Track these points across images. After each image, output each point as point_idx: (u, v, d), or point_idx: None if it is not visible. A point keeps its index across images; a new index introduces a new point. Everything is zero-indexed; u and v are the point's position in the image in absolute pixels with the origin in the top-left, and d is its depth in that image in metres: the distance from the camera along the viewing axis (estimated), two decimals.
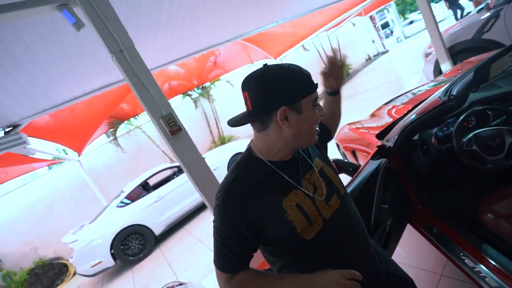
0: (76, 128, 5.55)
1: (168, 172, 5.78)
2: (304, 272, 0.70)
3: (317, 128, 0.74)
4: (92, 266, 4.24)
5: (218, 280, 0.73)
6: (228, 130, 9.40)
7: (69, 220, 6.77)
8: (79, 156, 6.44)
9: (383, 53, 13.95)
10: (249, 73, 0.72)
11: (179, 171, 5.40)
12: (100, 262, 4.27)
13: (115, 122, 7.04)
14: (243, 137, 9.58)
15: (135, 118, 7.83)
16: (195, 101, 8.88)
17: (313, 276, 0.67)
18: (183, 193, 4.99)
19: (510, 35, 2.95)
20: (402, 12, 22.48)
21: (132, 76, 1.54)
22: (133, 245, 4.54)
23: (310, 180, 0.77)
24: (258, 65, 10.39)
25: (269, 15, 4.83)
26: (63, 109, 4.71)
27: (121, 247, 4.45)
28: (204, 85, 8.81)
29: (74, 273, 5.74)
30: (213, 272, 2.70)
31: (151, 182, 5.56)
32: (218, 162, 5.47)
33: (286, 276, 0.74)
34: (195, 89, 8.74)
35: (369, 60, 13.77)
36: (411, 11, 22.10)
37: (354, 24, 13.44)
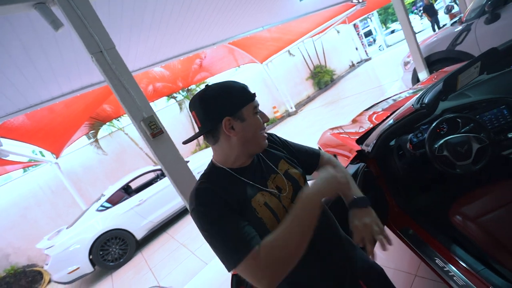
0: (54, 129, 5.33)
1: (151, 175, 5.67)
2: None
3: (264, 134, 0.81)
4: (69, 273, 4.06)
5: (247, 268, 0.63)
6: None
7: (45, 225, 6.47)
8: (57, 158, 6.19)
9: (366, 60, 14.40)
10: (193, 95, 0.81)
11: (162, 174, 5.30)
12: (77, 268, 4.10)
13: (96, 123, 6.83)
14: None
15: (118, 120, 7.63)
16: (180, 104, 8.78)
17: (316, 183, 0.73)
18: (166, 196, 4.90)
19: (479, 47, 3.14)
20: (384, 22, 23.39)
21: (112, 77, 1.51)
22: (113, 250, 4.40)
23: (274, 182, 0.82)
24: (244, 68, 10.49)
25: (255, 20, 4.89)
26: (41, 109, 4.53)
27: (101, 253, 4.29)
28: (189, 88, 8.73)
29: (49, 281, 5.47)
30: (195, 276, 2.65)
31: (133, 185, 5.42)
32: (201, 167, 5.42)
33: (294, 208, 0.70)
34: (180, 91, 8.65)
35: (352, 66, 14.17)
36: (393, 21, 23.02)
37: (338, 32, 13.82)
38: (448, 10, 8.75)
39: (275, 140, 0.96)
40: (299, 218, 0.67)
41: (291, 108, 10.69)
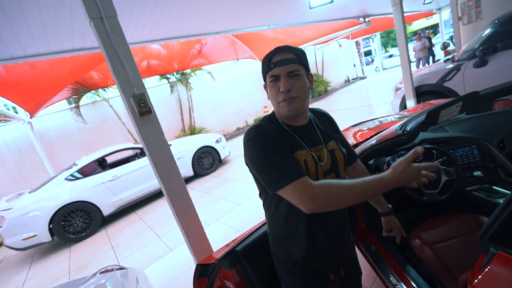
0: (33, 87, 5.04)
1: (129, 153, 5.52)
2: (287, 220, 0.87)
3: (283, 101, 0.83)
4: (24, 239, 3.87)
5: (298, 188, 0.72)
6: (200, 122, 9.24)
7: (6, 186, 6.13)
8: (31, 117, 5.86)
9: (361, 78, 14.79)
10: None
11: (141, 153, 5.18)
12: (34, 235, 3.92)
13: (80, 89, 6.52)
14: (214, 131, 9.50)
15: (104, 90, 7.33)
16: (172, 86, 8.60)
17: (396, 174, 0.74)
18: (141, 176, 4.80)
19: (465, 87, 3.34)
20: (385, 45, 24.09)
21: (109, 47, 1.46)
22: (76, 222, 4.24)
23: (318, 152, 0.88)
24: (242, 62, 10.42)
25: (263, 17, 4.87)
26: (22, 64, 4.27)
27: (62, 223, 4.13)
28: (184, 71, 8.56)
29: (0, 244, 5.19)
30: (158, 261, 2.63)
31: (109, 159, 5.26)
32: (184, 152, 5.36)
33: (367, 178, 0.75)
34: (174, 73, 8.47)
35: (347, 82, 14.50)
36: (393, 46, 23.76)
37: (340, 45, 14.09)
38: (444, 46, 9.21)
39: (330, 120, 1.01)
40: (366, 187, 0.72)
41: None
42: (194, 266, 1.34)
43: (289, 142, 0.83)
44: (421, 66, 10.57)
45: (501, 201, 0.67)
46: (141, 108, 1.55)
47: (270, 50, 0.85)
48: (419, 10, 10.47)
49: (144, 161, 4.87)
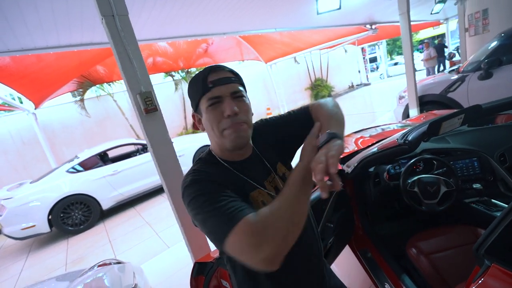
0: (40, 79, 5.09)
1: (131, 148, 5.55)
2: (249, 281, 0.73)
3: (230, 128, 0.66)
4: (23, 229, 3.90)
5: (240, 236, 0.52)
6: None
7: (7, 175, 6.17)
8: (35, 108, 5.91)
9: (365, 85, 14.79)
10: None
11: (143, 149, 5.21)
12: (33, 226, 3.95)
13: (86, 83, 6.58)
14: None
15: (109, 85, 7.39)
16: (176, 83, 8.65)
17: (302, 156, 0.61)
18: (142, 172, 4.82)
19: (469, 99, 3.35)
20: (390, 52, 24.09)
21: (118, 44, 1.48)
22: (75, 214, 4.27)
23: (272, 183, 0.76)
24: (248, 64, 10.45)
25: (270, 20, 4.91)
26: (29, 56, 4.32)
27: (61, 215, 4.16)
28: (189, 70, 8.61)
29: None
30: (155, 257, 2.66)
31: (111, 154, 5.29)
32: (185, 150, 5.38)
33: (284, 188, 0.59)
34: (180, 71, 8.51)
35: (351, 87, 14.51)
36: (399, 54, 23.76)
37: (346, 51, 14.12)
38: (450, 57, 9.21)
39: (265, 131, 0.82)
40: (290, 184, 0.57)
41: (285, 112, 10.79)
42: (191, 264, 1.35)
43: (238, 186, 0.68)
44: (436, 70, 10.27)
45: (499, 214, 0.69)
46: (147, 106, 1.58)
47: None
48: (427, 20, 10.47)
49: (146, 157, 4.90)
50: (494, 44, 3.39)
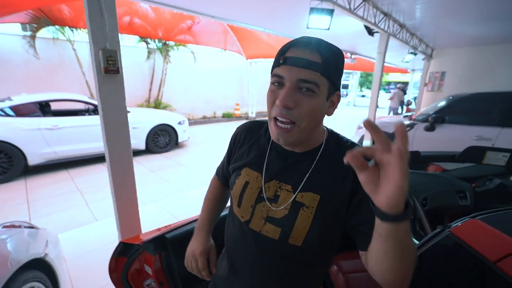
0: None
1: (80, 106, 5.01)
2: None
3: (277, 119, 0.58)
4: None
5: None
6: (167, 98, 8.83)
7: None
8: None
9: None
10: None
11: (94, 111, 4.75)
12: None
13: (43, 19, 5.73)
14: (179, 112, 9.16)
15: (71, 30, 6.57)
16: (150, 52, 8.08)
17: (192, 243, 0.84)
18: (85, 135, 4.39)
19: (413, 144, 3.77)
20: (362, 85, 25.95)
21: None
22: None
23: (277, 190, 0.64)
24: (228, 55, 10.30)
25: (263, 19, 4.90)
26: None
27: None
28: (166, 42, 8.13)
29: None
30: (78, 228, 2.44)
31: (54, 106, 4.70)
32: (141, 123, 5.07)
33: (201, 222, 0.86)
34: (156, 40, 7.98)
35: None
36: (368, 88, 25.75)
37: None
38: (407, 104, 10.38)
39: (343, 169, 0.54)
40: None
41: (252, 113, 10.87)
42: (117, 242, 1.26)
43: (254, 150, 0.70)
44: (391, 114, 11.17)
45: None
46: (109, 66, 1.43)
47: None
48: (398, 65, 11.56)
49: (93, 120, 4.47)
50: (442, 103, 3.88)
